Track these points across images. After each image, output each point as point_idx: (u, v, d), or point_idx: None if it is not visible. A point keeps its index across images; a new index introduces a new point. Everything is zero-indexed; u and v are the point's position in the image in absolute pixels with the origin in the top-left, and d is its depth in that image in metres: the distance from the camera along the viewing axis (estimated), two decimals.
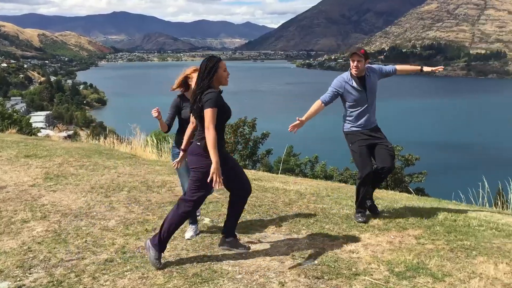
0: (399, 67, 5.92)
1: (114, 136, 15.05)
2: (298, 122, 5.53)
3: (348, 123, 5.76)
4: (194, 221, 5.28)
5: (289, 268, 4.33)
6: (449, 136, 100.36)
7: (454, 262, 4.48)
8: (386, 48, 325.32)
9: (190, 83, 5.14)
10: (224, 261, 4.52)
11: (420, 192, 13.57)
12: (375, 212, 5.94)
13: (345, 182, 14.59)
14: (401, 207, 6.50)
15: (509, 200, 10.27)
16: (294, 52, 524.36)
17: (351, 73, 5.59)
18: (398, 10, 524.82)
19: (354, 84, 5.55)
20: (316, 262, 4.47)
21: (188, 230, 5.22)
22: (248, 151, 16.44)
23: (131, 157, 10.30)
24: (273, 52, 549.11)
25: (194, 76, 4.98)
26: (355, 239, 5.11)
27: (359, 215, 5.76)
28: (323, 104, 5.63)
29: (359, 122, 5.66)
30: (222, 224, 5.60)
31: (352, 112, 5.68)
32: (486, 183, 8.43)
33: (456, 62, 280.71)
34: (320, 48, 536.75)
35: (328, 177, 16.47)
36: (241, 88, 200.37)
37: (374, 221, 5.72)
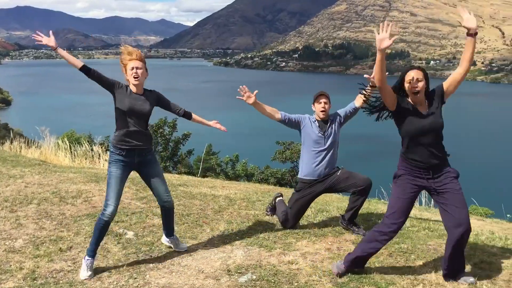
0: (358, 101, 5.41)
1: (21, 139, 13.75)
2: (251, 94, 5.21)
3: (302, 171, 5.41)
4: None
5: (226, 287, 3.95)
6: (359, 128, 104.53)
7: (395, 268, 4.33)
8: (300, 47, 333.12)
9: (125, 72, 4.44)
10: (152, 282, 4.03)
11: None
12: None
13: (266, 180, 14.45)
14: (333, 209, 6.35)
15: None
16: (211, 50, 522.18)
17: (315, 116, 5.35)
18: (310, 11, 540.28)
19: (316, 126, 5.28)
20: (254, 277, 4.11)
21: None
22: (168, 152, 15.83)
23: (41, 164, 9.35)
24: (189, 50, 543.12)
25: (129, 65, 4.38)
26: (293, 248, 4.83)
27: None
28: (279, 115, 5.29)
29: (313, 171, 5.30)
30: (148, 238, 5.10)
31: (307, 156, 5.34)
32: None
33: (364, 61, 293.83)
34: (236, 46, 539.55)
35: (249, 176, 16.29)
36: (157, 86, 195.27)
37: (311, 228, 5.49)
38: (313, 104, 5.31)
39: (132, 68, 4.25)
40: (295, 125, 5.36)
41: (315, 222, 5.72)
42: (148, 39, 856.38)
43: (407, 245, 4.92)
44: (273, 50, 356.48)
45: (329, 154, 5.27)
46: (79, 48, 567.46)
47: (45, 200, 6.35)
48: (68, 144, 12.89)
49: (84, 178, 7.71)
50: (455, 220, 3.77)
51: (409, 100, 4.02)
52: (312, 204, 6.45)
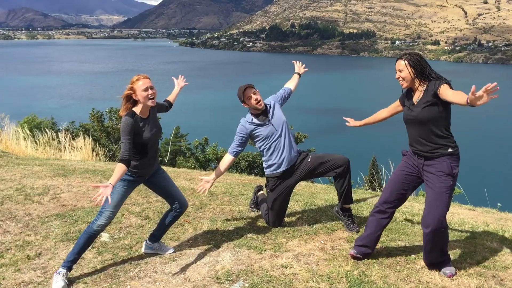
0: (291, 84, 5.52)
1: None
2: (207, 185, 4.90)
3: (268, 167, 5.08)
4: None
5: None
6: (330, 112, 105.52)
7: (396, 270, 4.07)
8: (267, 27, 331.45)
9: (135, 97, 4.05)
10: None
11: None
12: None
13: (238, 164, 14.16)
14: (321, 202, 6.06)
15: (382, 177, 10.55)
16: (176, 30, 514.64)
17: (251, 113, 4.99)
18: None
19: (256, 120, 4.93)
20: (247, 285, 3.79)
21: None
22: None
23: (1, 156, 8.73)
24: (154, 30, 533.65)
25: (139, 84, 3.95)
26: (284, 249, 4.51)
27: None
28: (233, 157, 4.95)
29: (280, 161, 4.98)
30: (126, 241, 4.71)
31: (267, 151, 5.01)
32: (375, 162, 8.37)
33: (331, 41, 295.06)
34: (202, 26, 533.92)
35: (219, 159, 16.02)
36: (121, 67, 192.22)
37: (301, 224, 5.18)
38: (244, 103, 4.93)
39: (146, 89, 3.93)
40: (247, 141, 5.04)
41: (304, 218, 5.41)
42: (111, 19, 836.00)
43: (404, 242, 4.68)
44: (240, 30, 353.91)
45: (286, 137, 4.95)
46: (38, 28, 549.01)
47: (9, 199, 5.83)
48: (29, 131, 12.24)
49: (51, 172, 7.18)
50: (424, 219, 3.84)
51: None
52: (299, 198, 6.16)
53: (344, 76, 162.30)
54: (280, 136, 4.92)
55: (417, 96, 3.96)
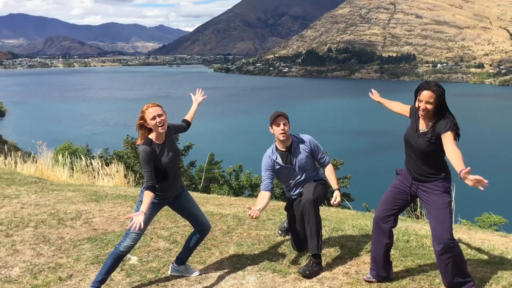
0: (328, 174, 5.22)
1: (16, 153, 13.62)
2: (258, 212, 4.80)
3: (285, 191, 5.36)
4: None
5: None
6: (368, 137, 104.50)
7: None
8: (303, 52, 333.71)
9: (148, 126, 4.37)
10: None
11: (346, 197, 13.67)
12: None
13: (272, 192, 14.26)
14: (349, 228, 6.17)
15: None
16: (211, 56, 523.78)
17: (275, 146, 5.06)
18: (312, 14, 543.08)
19: (279, 160, 5.01)
20: None
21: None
22: None
23: (37, 182, 9.21)
24: (189, 56, 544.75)
25: (148, 112, 4.29)
26: None
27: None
28: (268, 192, 4.97)
29: (297, 192, 5.13)
30: (154, 264, 4.95)
31: (286, 186, 5.25)
32: None
33: (370, 65, 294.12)
34: (237, 52, 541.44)
35: (253, 186, 16.20)
36: (155, 94, 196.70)
37: (326, 249, 5.32)
38: (271, 126, 5.01)
39: (154, 117, 4.22)
40: (274, 176, 5.11)
41: (330, 242, 5.55)
42: (146, 46, 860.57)
43: (429, 268, 4.75)
44: (276, 55, 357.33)
45: (307, 179, 5.06)
46: (75, 56, 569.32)
47: (43, 223, 6.20)
48: (65, 158, 12.78)
49: (84, 197, 7.57)
50: (434, 236, 4.02)
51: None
52: (326, 223, 6.29)
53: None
54: (301, 179, 5.05)
55: (423, 125, 4.15)
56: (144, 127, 4.35)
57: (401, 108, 4.70)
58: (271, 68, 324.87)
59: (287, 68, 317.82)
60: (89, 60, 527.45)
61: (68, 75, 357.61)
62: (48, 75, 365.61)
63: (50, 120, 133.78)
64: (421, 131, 4.13)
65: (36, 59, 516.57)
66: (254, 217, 4.60)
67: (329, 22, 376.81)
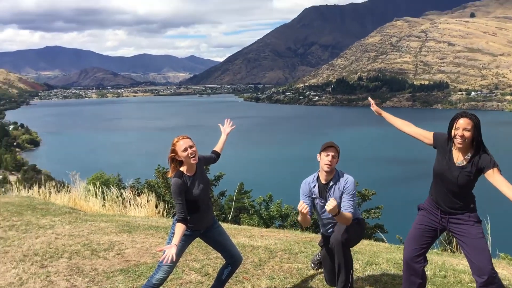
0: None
1: (50, 183, 13.95)
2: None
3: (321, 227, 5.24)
4: None
5: None
6: (400, 165, 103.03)
7: None
8: (333, 80, 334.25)
9: (179, 158, 4.47)
10: None
11: (379, 228, 13.42)
12: None
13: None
14: (383, 261, 6.07)
15: None
16: (241, 85, 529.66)
17: (318, 175, 4.98)
18: (342, 43, 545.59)
19: (316, 191, 4.94)
20: None
21: None
22: None
23: (71, 212, 9.39)
24: (219, 86, 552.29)
25: (179, 145, 4.40)
26: None
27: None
28: (309, 218, 4.88)
29: (328, 229, 5.09)
30: None
31: (319, 218, 5.16)
32: None
33: (401, 93, 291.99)
34: (267, 81, 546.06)
35: (284, 217, 16.11)
36: (186, 123, 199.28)
37: (360, 283, 5.23)
38: (319, 154, 4.93)
39: (185, 149, 4.32)
40: (313, 199, 5.00)
41: (363, 277, 5.46)
42: (178, 76, 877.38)
43: None
44: (306, 84, 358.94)
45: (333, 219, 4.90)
46: (108, 87, 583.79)
47: (76, 254, 6.30)
48: (98, 188, 13.01)
49: (116, 228, 7.67)
50: (475, 267, 3.90)
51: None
52: (359, 256, 6.21)
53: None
54: (331, 216, 4.86)
55: (458, 158, 4.05)
56: (175, 160, 4.43)
57: (417, 131, 4.52)
58: (301, 97, 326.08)
59: (317, 97, 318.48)
60: (122, 90, 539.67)
61: (101, 106, 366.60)
62: (82, 105, 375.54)
63: (83, 150, 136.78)
64: (457, 163, 4.03)
65: (70, 90, 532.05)
66: (304, 211, 4.61)
67: (359, 50, 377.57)
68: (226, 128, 5.28)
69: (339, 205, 4.80)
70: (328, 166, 4.82)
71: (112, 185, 14.32)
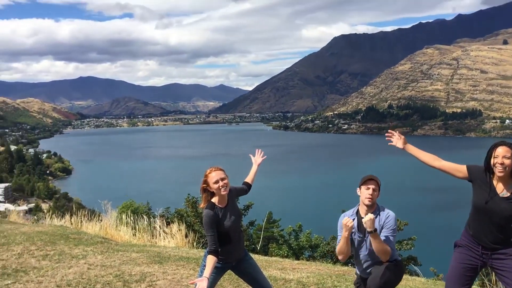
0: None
1: (82, 211, 14.15)
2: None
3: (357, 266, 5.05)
4: None
5: None
6: (433, 196, 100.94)
7: None
8: (363, 109, 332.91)
9: (211, 189, 4.51)
10: None
11: (413, 261, 13.08)
12: None
13: (332, 252, 13.93)
14: None
15: None
16: (270, 114, 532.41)
17: (358, 209, 4.86)
18: (372, 71, 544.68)
19: (355, 226, 4.80)
20: None
21: None
22: None
23: (103, 242, 9.47)
24: (248, 114, 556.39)
25: (211, 176, 4.44)
26: None
27: None
28: (349, 245, 4.81)
29: (363, 268, 4.90)
30: None
31: (354, 254, 4.94)
32: None
33: (433, 121, 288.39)
34: (296, 109, 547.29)
35: (313, 247, 15.87)
36: (215, 152, 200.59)
37: None
38: (359, 187, 4.82)
39: (217, 181, 4.35)
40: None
41: None
42: (207, 105, 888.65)
43: None
44: (335, 112, 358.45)
45: (376, 256, 4.72)
46: (139, 116, 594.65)
47: (108, 285, 6.32)
48: (128, 217, 13.13)
49: (147, 259, 7.69)
50: None
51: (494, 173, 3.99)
52: None
53: (449, 157, 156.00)
54: (370, 254, 4.79)
55: (502, 189, 3.91)
56: (207, 191, 4.46)
57: (448, 166, 4.36)
58: (330, 125, 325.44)
59: (346, 125, 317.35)
60: (152, 119, 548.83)
61: (131, 134, 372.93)
62: (113, 134, 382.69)
63: (113, 178, 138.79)
64: (500, 195, 3.88)
65: (102, 119, 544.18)
66: (349, 224, 4.55)
67: (389, 78, 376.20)
68: (257, 158, 5.29)
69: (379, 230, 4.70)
70: (369, 200, 4.71)
71: (142, 214, 14.45)
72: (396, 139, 5.04)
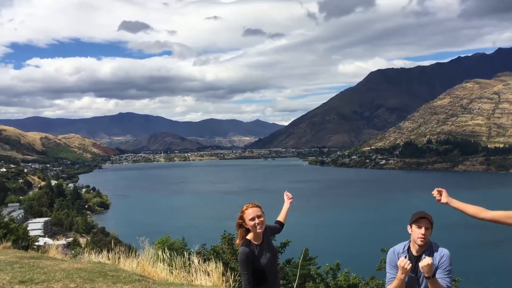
0: None
1: (120, 247, 14.27)
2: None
3: None
4: None
5: None
6: (476, 231, 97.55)
7: None
8: (401, 144, 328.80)
9: (246, 226, 4.52)
10: None
11: None
12: None
13: None
14: None
15: None
16: (306, 149, 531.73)
17: (409, 246, 4.64)
18: (410, 106, 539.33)
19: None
20: None
21: None
22: None
23: (140, 280, 9.47)
24: (284, 149, 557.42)
25: (247, 213, 4.45)
26: None
27: None
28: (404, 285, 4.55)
29: None
30: None
31: None
32: None
33: (474, 157, 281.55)
34: (332, 144, 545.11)
35: (352, 287, 15.56)
36: (250, 187, 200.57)
37: None
38: (410, 225, 4.60)
39: (253, 218, 4.35)
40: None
41: None
42: (243, 140, 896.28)
43: None
44: (372, 147, 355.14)
45: None
46: (176, 151, 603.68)
47: None
48: (164, 253, 13.17)
49: None
50: None
51: None
52: None
53: (491, 194, 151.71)
54: None
55: None
56: (242, 227, 4.43)
57: (498, 215, 4.12)
58: (368, 160, 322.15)
59: (384, 160, 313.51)
60: (189, 154, 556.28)
61: (168, 169, 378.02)
62: (150, 169, 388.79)
63: (150, 212, 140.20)
64: None
65: (140, 154, 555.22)
66: (407, 267, 4.33)
67: (427, 113, 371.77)
68: (289, 200, 5.40)
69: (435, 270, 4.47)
70: (422, 239, 4.50)
71: (178, 250, 14.49)
72: (445, 197, 4.73)
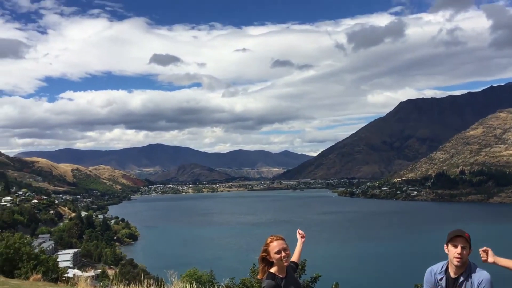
0: None
1: (147, 280, 14.26)
2: None
3: None
4: None
5: None
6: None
7: None
8: (433, 175, 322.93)
9: (270, 259, 4.48)
10: None
11: None
12: None
13: None
14: None
15: None
16: (335, 180, 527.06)
17: (447, 266, 4.51)
18: (441, 136, 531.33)
19: (443, 284, 4.46)
20: None
21: None
22: None
23: None
24: (313, 180, 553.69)
25: (273, 246, 4.40)
26: None
27: None
28: None
29: None
30: None
31: None
32: None
33: (510, 188, 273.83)
34: (362, 175, 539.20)
35: None
36: (278, 218, 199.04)
37: None
38: (446, 245, 4.42)
39: (279, 251, 4.34)
40: None
41: None
42: (271, 171, 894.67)
43: None
44: (403, 178, 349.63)
45: None
46: (204, 182, 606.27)
47: None
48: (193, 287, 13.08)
49: None
50: None
51: None
52: None
53: None
54: None
55: None
56: (265, 260, 4.36)
57: None
58: (398, 192, 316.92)
59: (415, 192, 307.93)
60: (217, 185, 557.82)
61: (196, 200, 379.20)
62: (179, 200, 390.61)
63: (177, 244, 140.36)
64: None
65: (169, 185, 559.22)
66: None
67: (460, 143, 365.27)
68: (302, 239, 5.39)
69: None
70: (458, 260, 4.33)
71: (206, 283, 14.37)
72: (491, 257, 4.50)
